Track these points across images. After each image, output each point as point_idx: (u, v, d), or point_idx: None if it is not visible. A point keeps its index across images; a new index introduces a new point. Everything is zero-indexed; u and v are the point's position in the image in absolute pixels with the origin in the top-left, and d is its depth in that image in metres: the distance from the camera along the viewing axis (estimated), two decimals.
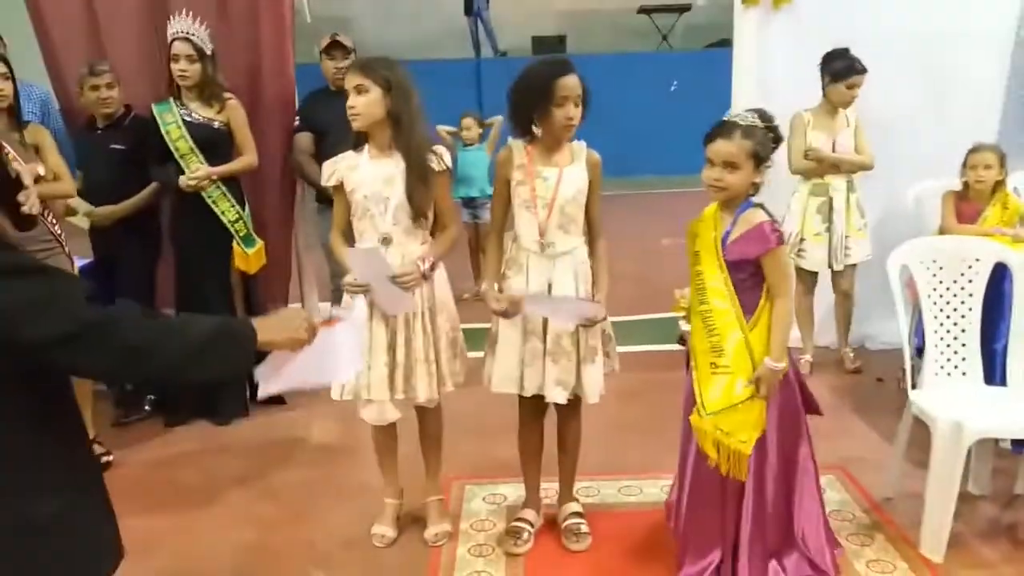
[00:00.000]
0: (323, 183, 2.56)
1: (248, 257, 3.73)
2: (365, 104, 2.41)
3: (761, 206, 2.28)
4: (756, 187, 2.25)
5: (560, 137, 2.44)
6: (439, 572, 2.54)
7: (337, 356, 1.64)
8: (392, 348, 2.47)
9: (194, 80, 3.55)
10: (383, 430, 2.68)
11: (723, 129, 2.20)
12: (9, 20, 3.89)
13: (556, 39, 12.49)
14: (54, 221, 3.15)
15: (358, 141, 2.51)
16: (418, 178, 2.44)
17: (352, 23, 11.95)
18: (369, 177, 2.46)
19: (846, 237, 3.97)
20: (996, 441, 3.04)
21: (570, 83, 2.35)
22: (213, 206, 3.59)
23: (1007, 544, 2.62)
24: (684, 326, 2.39)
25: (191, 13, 3.53)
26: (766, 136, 2.21)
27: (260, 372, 1.57)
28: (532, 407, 2.60)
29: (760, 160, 2.19)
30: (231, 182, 3.67)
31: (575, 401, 2.57)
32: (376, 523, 2.74)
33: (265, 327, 1.47)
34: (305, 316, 1.54)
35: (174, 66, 3.51)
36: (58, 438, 1.36)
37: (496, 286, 2.51)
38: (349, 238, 2.57)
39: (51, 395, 1.35)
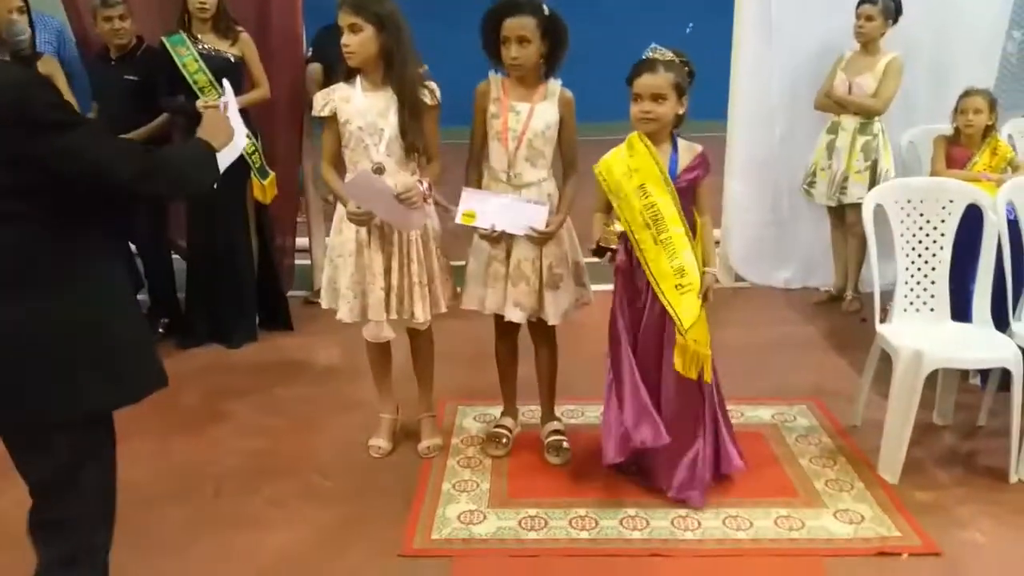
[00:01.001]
0: (315, 113, 2.66)
1: (264, 187, 3.88)
2: (359, 43, 2.50)
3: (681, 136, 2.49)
4: (680, 118, 2.44)
5: (512, 74, 2.57)
6: (428, 480, 2.75)
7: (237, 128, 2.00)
8: (388, 272, 2.63)
9: (212, 11, 3.63)
10: (377, 349, 2.87)
11: (645, 65, 2.39)
12: None
13: None
14: None
15: (350, 73, 2.61)
16: (411, 113, 2.55)
17: None
18: (363, 108, 2.57)
19: (845, 177, 4.06)
20: (966, 377, 3.20)
21: (512, 24, 2.48)
22: None
23: (961, 470, 2.79)
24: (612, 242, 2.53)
25: None
26: (683, 70, 2.40)
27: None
28: (503, 324, 2.78)
29: (681, 91, 2.39)
30: (244, 115, 3.76)
31: (545, 328, 2.75)
32: (373, 436, 2.94)
33: (211, 137, 1.82)
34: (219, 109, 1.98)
35: None
36: (118, 264, 1.73)
37: None
38: (339, 170, 2.69)
39: (111, 229, 1.71)
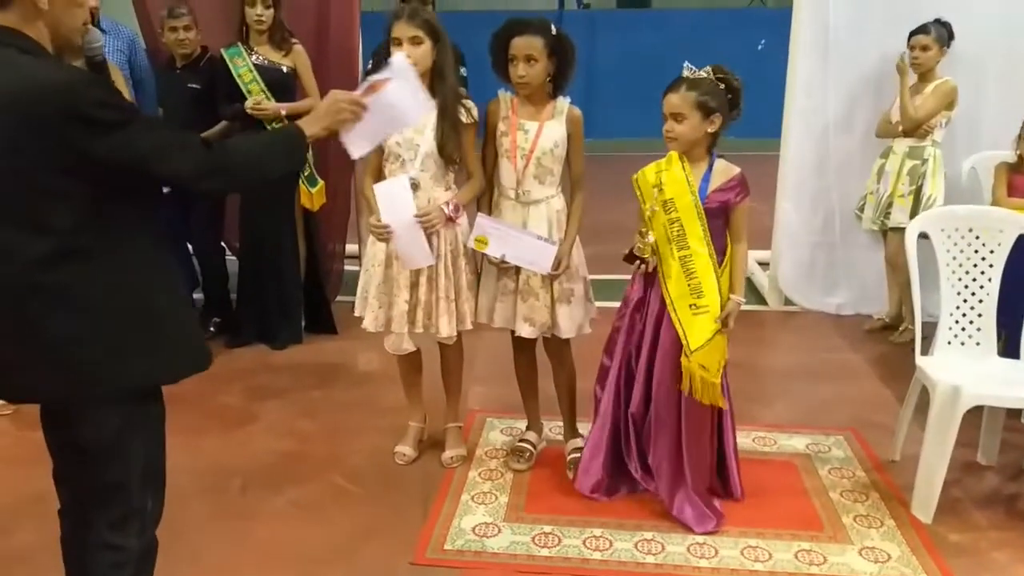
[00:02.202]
0: None
1: (312, 195, 4.00)
2: (420, 55, 2.54)
3: (723, 158, 2.45)
4: (713, 137, 2.41)
5: (519, 92, 2.60)
6: (450, 489, 2.78)
7: (401, 107, 1.94)
8: (416, 286, 2.67)
9: (268, 24, 3.77)
10: (406, 360, 2.92)
11: (673, 84, 2.38)
12: None
13: None
14: None
15: None
16: (451, 127, 2.59)
17: None
18: None
19: (889, 203, 3.94)
20: (1017, 415, 3.05)
21: (518, 43, 2.52)
22: None
23: (1001, 513, 2.66)
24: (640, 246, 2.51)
25: None
26: (715, 87, 2.36)
27: (346, 139, 1.89)
28: (520, 340, 2.81)
29: (709, 110, 2.35)
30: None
31: (559, 344, 2.77)
32: (400, 443, 2.99)
33: (310, 122, 1.79)
34: (343, 96, 1.82)
35: (250, 11, 3.72)
36: (163, 250, 1.73)
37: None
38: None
39: (155, 216, 1.73)
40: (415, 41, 2.54)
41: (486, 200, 2.76)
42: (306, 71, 3.90)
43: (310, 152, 3.93)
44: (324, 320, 4.21)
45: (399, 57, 2.20)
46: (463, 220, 2.73)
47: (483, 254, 2.68)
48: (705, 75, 2.39)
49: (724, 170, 2.45)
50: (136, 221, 1.62)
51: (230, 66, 3.79)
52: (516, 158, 2.62)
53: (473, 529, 2.56)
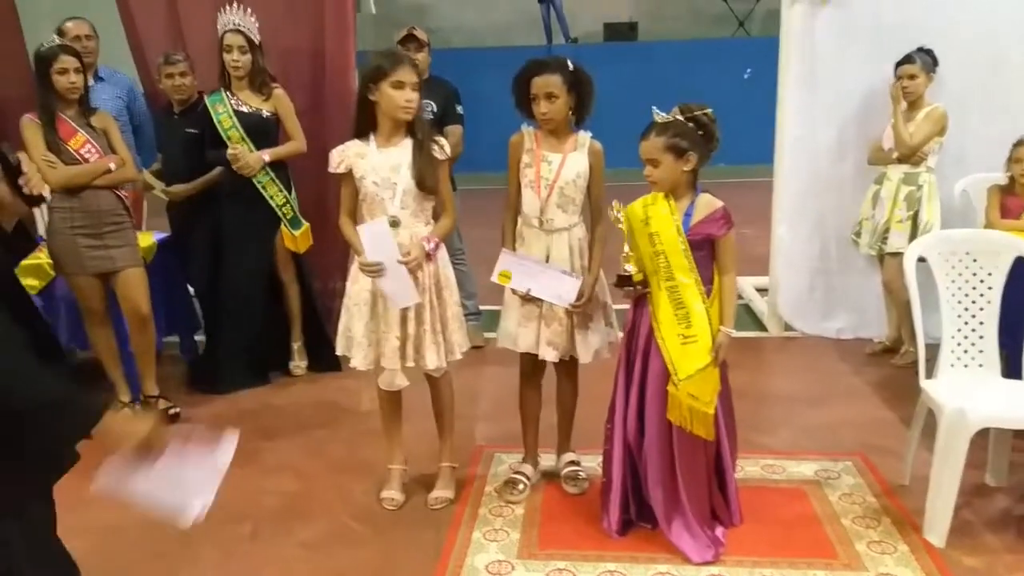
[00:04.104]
0: (331, 169, 2.72)
1: (296, 238, 3.99)
2: (417, 100, 2.64)
3: (708, 192, 2.52)
4: (692, 173, 2.47)
5: (543, 127, 2.69)
6: (460, 528, 2.76)
7: (184, 483, 1.56)
8: (405, 322, 2.68)
9: (246, 70, 3.79)
10: (390, 398, 2.90)
11: (644, 131, 2.46)
12: (102, 16, 4.28)
13: (627, 26, 12.48)
14: (126, 195, 3.53)
15: (361, 130, 2.70)
16: (427, 162, 2.66)
17: (429, 9, 12.26)
18: (377, 164, 2.66)
19: (887, 228, 3.99)
20: (1023, 436, 3.06)
21: (539, 82, 2.62)
22: (262, 191, 3.84)
23: (1014, 535, 2.65)
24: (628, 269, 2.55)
25: (232, 7, 3.76)
26: (684, 127, 2.42)
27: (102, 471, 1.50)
28: (529, 367, 2.87)
29: (680, 150, 2.41)
30: (279, 169, 3.90)
31: (570, 364, 2.83)
32: (384, 488, 2.95)
33: (114, 418, 1.47)
34: (159, 427, 1.54)
35: (227, 56, 3.76)
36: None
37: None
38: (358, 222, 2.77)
39: None
40: (415, 87, 2.63)
41: (510, 230, 2.82)
42: (288, 114, 3.91)
43: (293, 193, 3.97)
44: (327, 358, 4.20)
45: (228, 444, 1.81)
46: (442, 253, 2.77)
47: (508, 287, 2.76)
48: (672, 118, 2.45)
49: (707, 203, 2.50)
50: None
51: (211, 112, 3.81)
52: (540, 188, 2.70)
53: (487, 567, 2.54)
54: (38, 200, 1.88)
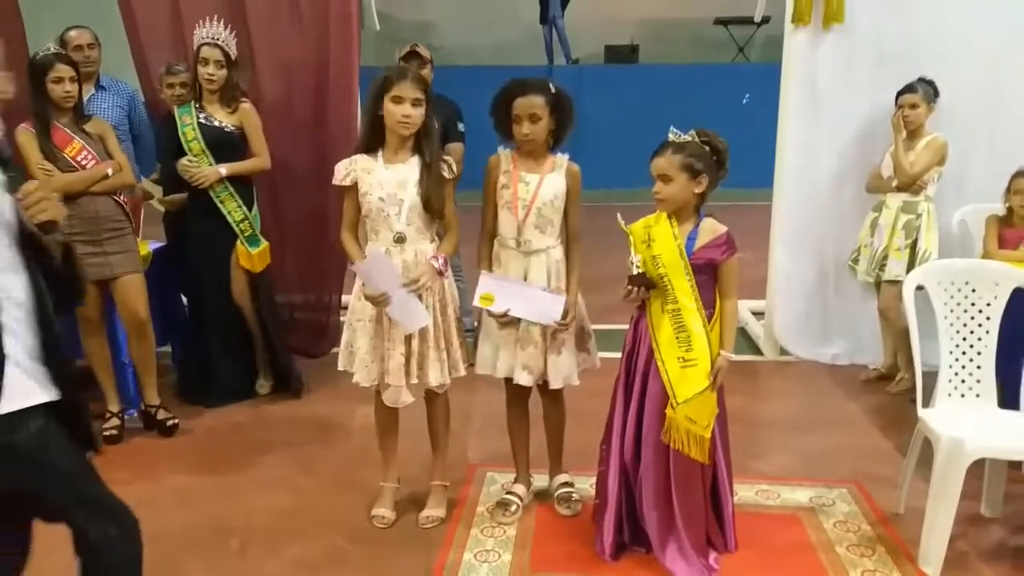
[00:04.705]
0: (336, 182, 2.71)
1: (252, 256, 3.87)
2: (419, 115, 2.62)
3: (712, 216, 2.52)
4: (700, 197, 2.46)
5: (523, 148, 2.67)
6: (451, 548, 2.73)
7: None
8: (409, 338, 2.67)
9: (219, 84, 3.74)
10: (387, 413, 2.87)
11: (659, 148, 2.45)
12: (105, 25, 4.29)
13: (628, 48, 12.58)
14: (125, 201, 3.53)
15: (369, 145, 2.70)
16: (435, 181, 2.65)
17: (433, 27, 12.35)
18: (384, 180, 2.65)
19: (884, 255, 3.99)
20: (1019, 467, 3.05)
21: (522, 103, 2.61)
22: (220, 205, 3.76)
23: (1008, 566, 2.64)
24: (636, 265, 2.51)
25: (219, 21, 3.75)
26: (700, 150, 2.42)
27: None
28: (513, 391, 2.84)
29: (695, 171, 2.42)
30: (241, 184, 3.81)
31: (554, 390, 2.81)
32: (376, 505, 2.92)
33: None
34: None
35: (202, 70, 3.70)
36: None
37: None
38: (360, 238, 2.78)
39: None
40: (417, 103, 2.61)
41: (486, 253, 2.80)
42: (254, 130, 3.83)
43: (255, 211, 3.88)
44: (283, 381, 4.08)
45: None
46: (448, 277, 2.76)
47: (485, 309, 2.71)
48: (690, 138, 2.45)
49: (711, 228, 2.50)
50: None
51: (178, 123, 3.77)
52: (517, 209, 2.68)
53: None
54: (49, 227, 1.67)
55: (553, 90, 2.65)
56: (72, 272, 1.76)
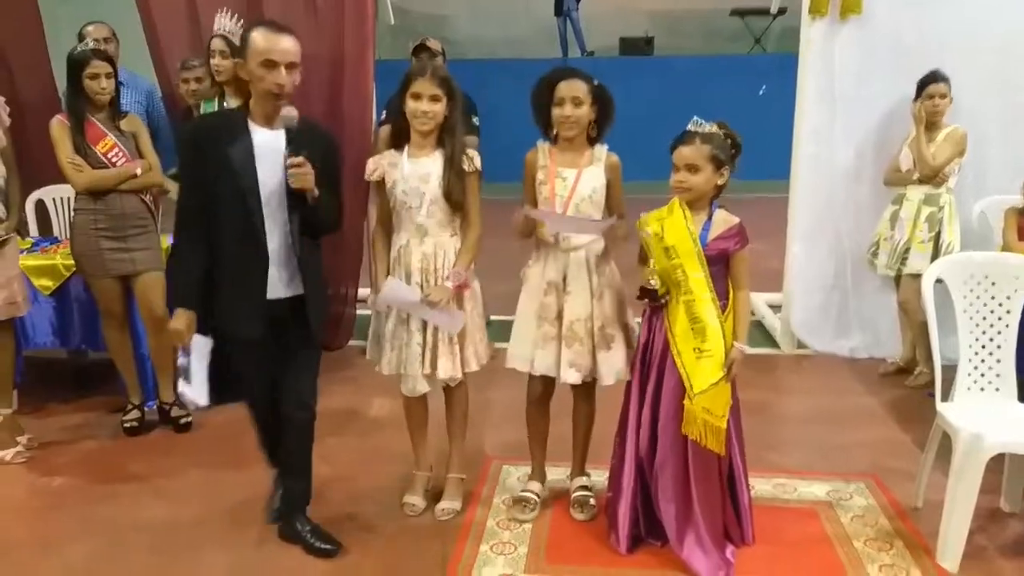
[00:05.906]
0: (367, 177, 2.77)
1: None
2: (439, 110, 2.64)
3: (724, 207, 2.53)
4: (719, 189, 2.47)
5: (563, 134, 2.65)
6: (467, 540, 2.74)
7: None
8: (424, 330, 2.70)
9: (227, 75, 3.73)
10: (415, 403, 2.89)
11: (684, 137, 2.45)
12: (123, 20, 4.32)
13: (643, 40, 12.53)
14: (151, 198, 3.56)
15: (397, 142, 2.73)
16: (456, 176, 2.66)
17: (447, 21, 12.35)
18: (407, 173, 2.68)
19: (907, 248, 3.96)
20: None
21: (564, 87, 2.60)
22: None
23: None
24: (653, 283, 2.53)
25: (234, 16, 3.78)
26: (724, 142, 2.43)
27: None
28: (538, 388, 2.83)
29: (719, 163, 2.43)
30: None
31: (588, 385, 2.78)
32: (407, 493, 2.96)
33: None
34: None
35: (211, 62, 3.76)
36: None
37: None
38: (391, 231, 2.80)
39: None
40: (435, 98, 2.62)
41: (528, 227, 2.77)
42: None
43: None
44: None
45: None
46: (471, 288, 2.77)
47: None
48: (713, 130, 2.45)
49: (724, 219, 2.51)
50: None
51: None
52: (555, 205, 2.67)
53: None
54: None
55: (595, 82, 2.65)
56: (318, 216, 2.50)
